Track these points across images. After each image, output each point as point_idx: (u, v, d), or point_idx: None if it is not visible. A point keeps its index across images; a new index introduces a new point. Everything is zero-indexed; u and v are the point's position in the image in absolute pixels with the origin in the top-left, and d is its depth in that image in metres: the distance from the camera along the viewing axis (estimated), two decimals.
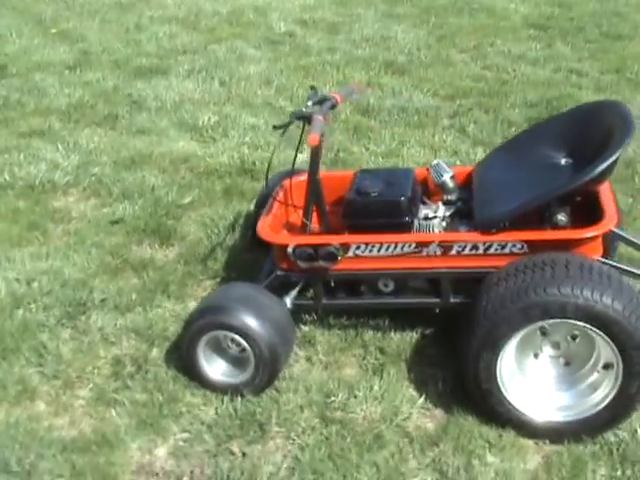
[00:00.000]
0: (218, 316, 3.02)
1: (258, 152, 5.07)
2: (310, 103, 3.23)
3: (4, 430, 2.98)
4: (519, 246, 2.98)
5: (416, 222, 3.31)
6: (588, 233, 2.94)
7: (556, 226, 3.02)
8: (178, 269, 3.92)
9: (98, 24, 7.97)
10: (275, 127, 3.18)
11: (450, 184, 3.41)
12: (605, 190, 3.17)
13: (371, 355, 3.31)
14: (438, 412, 3.03)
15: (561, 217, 3.01)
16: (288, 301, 3.26)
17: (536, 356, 2.94)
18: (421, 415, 3.03)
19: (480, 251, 3.02)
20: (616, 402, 2.78)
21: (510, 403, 2.87)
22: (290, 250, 3.14)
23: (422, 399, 3.07)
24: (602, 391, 2.82)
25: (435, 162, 3.47)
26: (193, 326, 3.08)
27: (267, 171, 3.34)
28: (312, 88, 3.37)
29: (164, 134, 5.41)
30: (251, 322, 2.99)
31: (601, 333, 2.68)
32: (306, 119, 3.12)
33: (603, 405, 2.81)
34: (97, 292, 3.74)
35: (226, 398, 3.07)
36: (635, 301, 2.67)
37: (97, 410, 3.10)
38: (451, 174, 3.41)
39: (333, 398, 3.07)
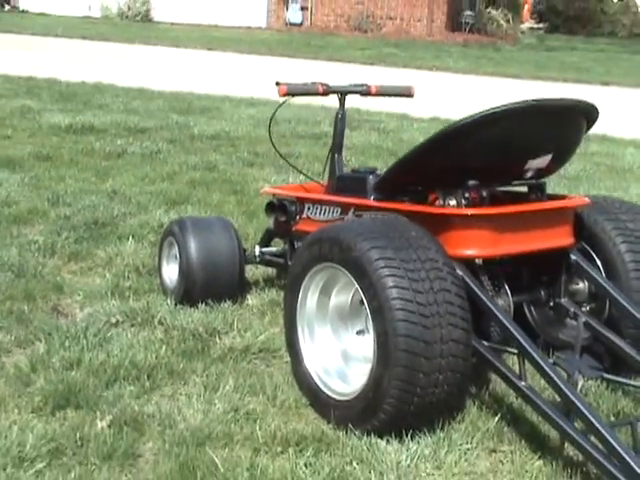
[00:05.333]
0: (171, 225, 3.66)
1: None
2: (347, 84, 3.64)
3: None
4: None
5: None
6: (433, 210, 2.80)
7: None
8: None
9: None
10: (278, 83, 3.64)
11: None
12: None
13: None
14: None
15: (449, 201, 2.84)
16: (257, 249, 3.63)
17: (361, 333, 2.80)
18: (272, 366, 3.12)
19: None
20: (368, 393, 2.53)
21: (304, 362, 2.80)
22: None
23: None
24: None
25: None
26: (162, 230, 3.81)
27: (269, 127, 3.72)
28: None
29: None
30: (185, 236, 3.50)
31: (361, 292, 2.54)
32: (317, 86, 3.51)
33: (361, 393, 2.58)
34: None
35: (160, 296, 3.64)
36: (413, 275, 2.45)
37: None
38: None
39: (222, 328, 3.35)
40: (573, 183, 6.59)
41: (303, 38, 21.01)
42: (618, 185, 6.51)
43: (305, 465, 2.41)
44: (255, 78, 12.23)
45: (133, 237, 4.38)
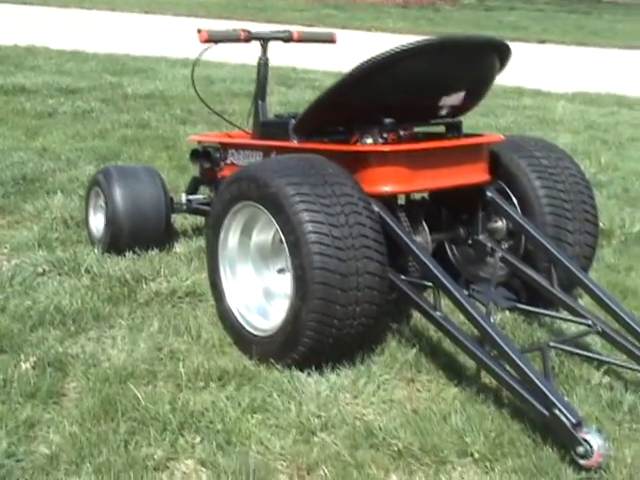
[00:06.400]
0: (97, 174, 3.66)
1: None
2: (269, 30, 3.65)
3: None
4: None
5: None
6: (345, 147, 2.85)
7: None
8: None
9: None
10: (199, 30, 3.64)
11: None
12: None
13: None
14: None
15: (366, 139, 2.88)
16: (184, 197, 3.66)
17: (282, 271, 2.84)
18: (198, 309, 3.16)
19: None
20: (287, 327, 2.58)
21: (226, 300, 2.85)
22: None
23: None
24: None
25: None
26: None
27: (192, 75, 3.71)
28: None
29: None
30: (110, 185, 3.50)
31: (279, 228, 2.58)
32: (238, 32, 3.52)
33: (281, 328, 2.63)
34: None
35: (88, 246, 3.66)
36: (329, 210, 2.50)
37: None
38: None
39: (149, 274, 3.37)
40: (503, 133, 6.70)
41: (241, 1, 20.83)
42: (547, 135, 6.60)
43: (226, 398, 2.46)
44: (192, 40, 12.10)
45: (62, 191, 4.37)
